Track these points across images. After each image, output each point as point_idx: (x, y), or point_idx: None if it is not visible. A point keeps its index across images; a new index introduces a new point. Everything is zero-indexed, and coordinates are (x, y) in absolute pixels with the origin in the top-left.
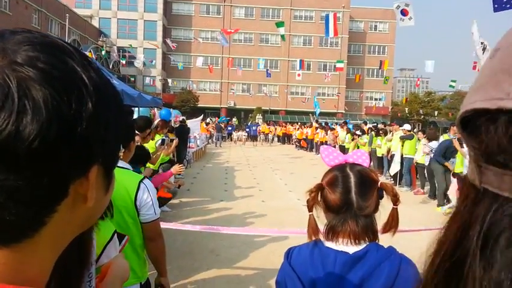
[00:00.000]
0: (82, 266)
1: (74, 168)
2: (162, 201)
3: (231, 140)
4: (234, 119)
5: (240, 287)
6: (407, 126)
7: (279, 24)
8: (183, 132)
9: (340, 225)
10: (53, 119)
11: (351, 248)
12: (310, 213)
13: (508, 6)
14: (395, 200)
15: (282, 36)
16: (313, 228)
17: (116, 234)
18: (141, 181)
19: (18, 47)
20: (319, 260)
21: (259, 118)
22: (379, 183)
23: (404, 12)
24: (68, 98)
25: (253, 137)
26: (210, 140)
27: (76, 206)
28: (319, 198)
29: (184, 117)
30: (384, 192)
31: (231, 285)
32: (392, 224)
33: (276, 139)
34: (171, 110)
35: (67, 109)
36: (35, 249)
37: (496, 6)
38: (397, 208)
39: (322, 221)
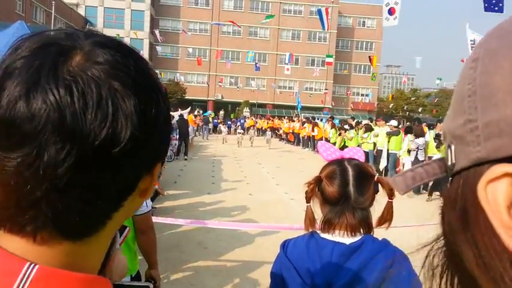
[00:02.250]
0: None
1: (147, 166)
2: (155, 195)
3: (216, 132)
4: (221, 112)
5: (227, 280)
6: (394, 122)
7: (268, 17)
8: (182, 125)
9: (337, 218)
10: (141, 123)
11: (347, 240)
12: (308, 204)
13: (496, 9)
14: (391, 194)
15: (270, 16)
16: (310, 219)
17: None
18: None
19: (98, 49)
20: (315, 251)
21: (246, 111)
22: (375, 178)
23: (391, 11)
24: (151, 103)
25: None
26: (197, 133)
27: (135, 199)
28: (316, 190)
29: (183, 111)
30: (380, 186)
31: (219, 277)
32: (387, 217)
33: (269, 135)
34: None
35: (150, 113)
36: (98, 242)
37: (486, 5)
38: (392, 202)
39: (317, 214)
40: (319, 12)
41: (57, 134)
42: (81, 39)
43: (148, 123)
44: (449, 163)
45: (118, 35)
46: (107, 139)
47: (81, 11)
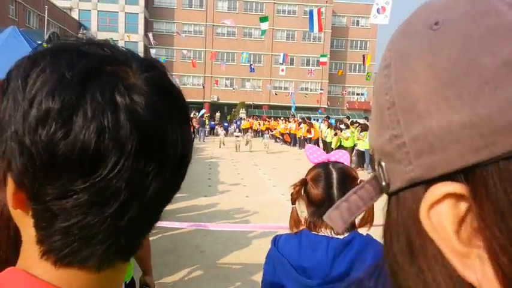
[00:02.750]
0: None
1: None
2: None
3: (213, 134)
4: (217, 114)
5: (225, 283)
6: None
7: (263, 19)
8: None
9: (321, 221)
10: (188, 148)
11: (336, 236)
12: (293, 206)
13: None
14: None
15: (263, 32)
16: (295, 220)
17: None
18: None
19: (145, 68)
20: (308, 245)
21: (242, 113)
22: (358, 180)
23: (381, 10)
24: (193, 131)
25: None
26: (195, 134)
27: None
28: (302, 192)
29: None
30: None
31: (217, 281)
32: (368, 219)
33: (266, 137)
34: None
35: (192, 138)
36: (125, 267)
37: None
38: (373, 204)
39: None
40: (311, 13)
41: (146, 157)
42: (127, 56)
43: (190, 146)
44: (384, 183)
45: (111, 38)
46: (183, 154)
47: (75, 14)
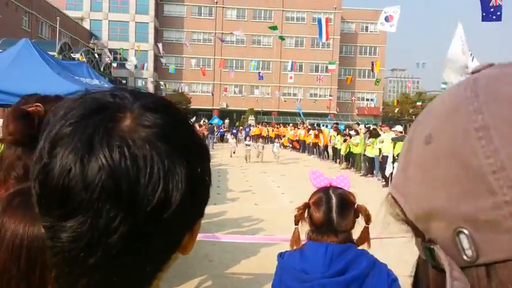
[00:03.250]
0: None
1: (190, 225)
2: None
3: (222, 141)
4: (226, 121)
5: None
6: (399, 128)
7: (273, 28)
8: None
9: (321, 236)
10: (190, 184)
11: None
12: (296, 226)
13: (494, 17)
14: (367, 219)
15: (280, 37)
16: (296, 239)
17: None
18: None
19: (147, 112)
20: (309, 251)
21: (251, 119)
22: (355, 205)
23: (389, 18)
24: (197, 163)
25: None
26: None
27: (176, 256)
28: (306, 215)
29: (192, 120)
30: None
31: None
32: (364, 240)
33: (277, 147)
34: None
35: (196, 173)
36: None
37: (483, 15)
38: (368, 227)
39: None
40: (319, 21)
41: (112, 201)
42: (128, 101)
43: (195, 184)
44: (466, 257)
45: (122, 48)
46: (159, 204)
47: (86, 24)
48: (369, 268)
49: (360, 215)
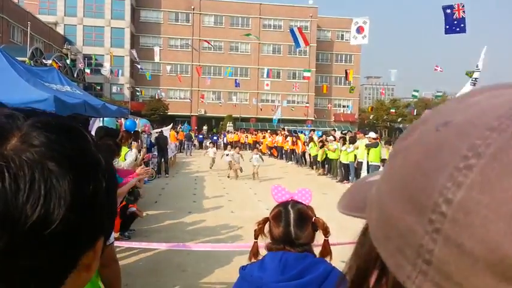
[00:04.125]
0: None
1: (87, 243)
2: (133, 218)
3: (201, 148)
4: (205, 127)
5: None
6: (372, 135)
7: (248, 35)
8: (160, 142)
9: (280, 248)
10: (77, 202)
11: None
12: (255, 240)
13: (458, 29)
14: (326, 232)
15: (256, 37)
16: (254, 253)
17: None
18: None
19: (35, 131)
20: (268, 260)
21: (230, 126)
22: (313, 219)
23: (360, 30)
24: (88, 180)
25: (225, 146)
26: (181, 148)
27: (80, 275)
28: (266, 229)
29: (162, 129)
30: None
31: None
32: (324, 253)
33: (255, 159)
34: (138, 119)
35: (87, 190)
36: None
37: (447, 27)
38: (327, 240)
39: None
40: (292, 31)
41: None
42: (20, 121)
43: (86, 201)
44: None
45: (94, 55)
46: (38, 221)
47: (60, 29)
48: (327, 273)
49: (319, 228)
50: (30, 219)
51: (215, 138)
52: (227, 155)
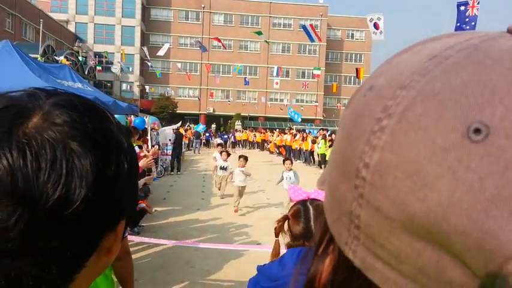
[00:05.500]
0: None
1: (108, 225)
2: (142, 214)
3: (209, 146)
4: (213, 126)
5: None
6: None
7: (258, 33)
8: (176, 140)
9: (300, 245)
10: (98, 182)
11: None
12: (276, 238)
13: (468, 28)
14: None
15: (266, 41)
16: (276, 251)
17: None
18: None
19: (57, 110)
20: (288, 258)
21: (238, 124)
22: None
23: (376, 26)
24: (110, 161)
25: (233, 144)
26: (190, 146)
27: (100, 258)
28: (285, 227)
29: (178, 125)
30: None
31: None
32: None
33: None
34: (147, 116)
35: (109, 171)
36: None
37: (458, 23)
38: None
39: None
40: (304, 27)
41: (9, 197)
42: (42, 100)
43: (108, 182)
44: None
45: (106, 51)
46: (60, 200)
47: (71, 27)
48: None
49: None
50: (51, 198)
51: (225, 136)
52: (223, 167)
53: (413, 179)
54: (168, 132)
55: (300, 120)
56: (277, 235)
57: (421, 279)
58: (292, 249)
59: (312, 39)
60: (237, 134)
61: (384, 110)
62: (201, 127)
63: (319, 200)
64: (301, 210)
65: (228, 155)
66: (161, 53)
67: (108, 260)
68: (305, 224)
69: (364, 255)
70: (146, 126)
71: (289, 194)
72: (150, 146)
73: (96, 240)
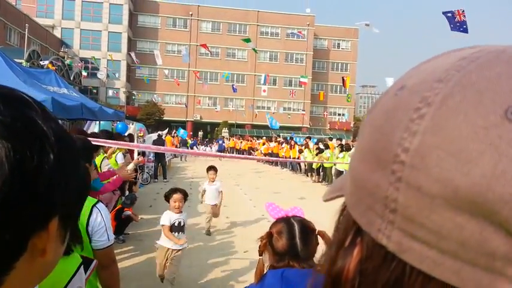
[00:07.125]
0: None
1: (35, 222)
2: (128, 222)
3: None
4: (200, 133)
5: None
6: None
7: (246, 40)
8: (158, 144)
9: (282, 265)
10: (16, 173)
11: None
12: (260, 257)
13: (462, 29)
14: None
15: (254, 50)
16: (261, 271)
17: (82, 266)
18: (94, 205)
19: None
20: (269, 279)
21: (225, 132)
22: (316, 231)
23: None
24: (31, 151)
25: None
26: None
27: (34, 260)
28: (267, 244)
29: (161, 132)
30: (320, 239)
31: None
32: None
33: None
34: (134, 123)
35: (29, 162)
36: None
37: (451, 26)
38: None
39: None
40: (292, 34)
41: None
42: None
43: (28, 174)
44: None
45: (93, 57)
46: None
47: (57, 33)
48: None
49: (321, 242)
50: None
51: (222, 144)
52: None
53: (457, 157)
54: (154, 139)
55: (278, 126)
56: (260, 254)
57: (462, 253)
58: (274, 270)
59: (297, 35)
60: (226, 142)
61: (422, 101)
62: (182, 131)
63: (300, 217)
64: (286, 226)
65: (216, 171)
66: (158, 62)
67: (45, 261)
68: (290, 240)
69: (400, 238)
70: (132, 133)
71: (267, 210)
72: (136, 154)
73: (23, 238)
